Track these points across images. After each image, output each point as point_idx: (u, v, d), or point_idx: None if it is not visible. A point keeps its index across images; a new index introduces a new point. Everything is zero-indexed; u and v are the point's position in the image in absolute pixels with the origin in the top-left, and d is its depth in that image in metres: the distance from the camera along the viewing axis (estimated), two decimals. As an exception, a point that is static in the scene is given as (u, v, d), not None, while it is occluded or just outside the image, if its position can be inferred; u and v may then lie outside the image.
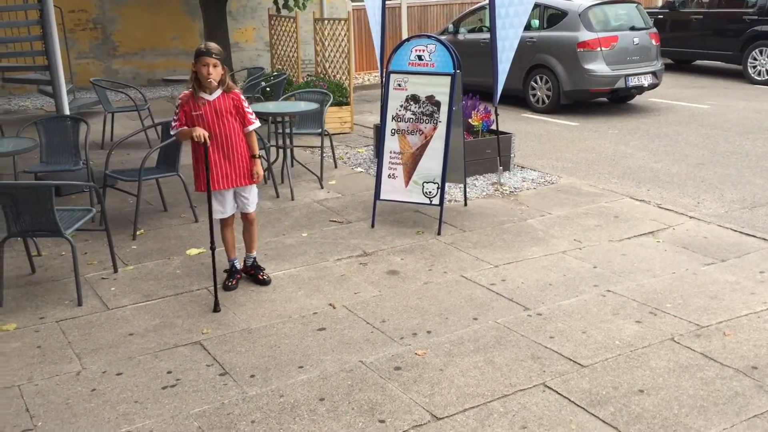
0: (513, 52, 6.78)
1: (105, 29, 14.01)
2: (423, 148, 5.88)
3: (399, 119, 5.94)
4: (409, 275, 4.99)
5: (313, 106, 7.21)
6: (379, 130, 6.17)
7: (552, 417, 3.34)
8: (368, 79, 14.88)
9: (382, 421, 3.32)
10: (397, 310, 4.46)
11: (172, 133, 4.58)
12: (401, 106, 5.92)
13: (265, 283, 4.81)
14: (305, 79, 10.75)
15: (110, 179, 6.11)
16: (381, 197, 6.01)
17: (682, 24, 14.30)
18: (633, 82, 10.66)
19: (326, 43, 10.47)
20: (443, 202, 5.86)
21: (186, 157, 7.13)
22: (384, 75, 6.18)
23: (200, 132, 4.32)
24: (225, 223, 4.75)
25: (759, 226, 5.96)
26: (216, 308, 4.46)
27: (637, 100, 11.64)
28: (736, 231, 5.73)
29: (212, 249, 4.52)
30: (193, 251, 5.47)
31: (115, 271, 5.11)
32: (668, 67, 13.23)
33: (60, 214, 4.63)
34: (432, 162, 5.85)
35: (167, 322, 4.35)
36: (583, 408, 3.40)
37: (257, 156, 4.65)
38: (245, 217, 4.79)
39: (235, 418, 3.37)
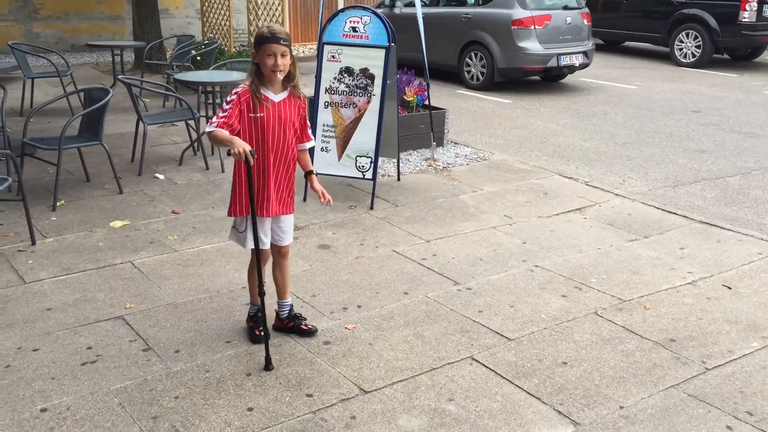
0: (422, 28, 6.83)
1: (25, -10, 13.34)
2: (356, 121, 5.82)
3: (332, 92, 5.86)
4: (340, 249, 4.95)
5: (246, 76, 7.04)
6: (312, 103, 6.07)
7: (478, 389, 3.38)
8: (303, 51, 14.66)
9: (309, 395, 3.30)
10: (328, 285, 4.42)
11: (207, 129, 3.42)
12: (335, 78, 5.84)
13: (311, 333, 3.85)
14: (238, 49, 10.50)
15: (28, 147, 5.82)
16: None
17: (612, 5, 14.59)
18: (565, 61, 10.83)
19: (260, 12, 10.24)
20: (376, 177, 5.83)
21: (110, 126, 6.88)
22: (319, 46, 6.08)
23: (240, 149, 3.26)
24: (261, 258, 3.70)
25: (680, 204, 6.16)
26: (268, 366, 3.52)
27: (568, 79, 11.85)
28: (658, 209, 5.91)
29: (261, 294, 3.55)
30: (117, 223, 5.29)
31: (33, 243, 4.89)
32: (598, 48, 13.49)
33: (-28, 182, 4.39)
34: (365, 136, 5.80)
35: (88, 297, 4.19)
36: (509, 380, 3.45)
37: (315, 172, 3.89)
38: (279, 252, 3.79)
39: (157, 394, 3.29)
